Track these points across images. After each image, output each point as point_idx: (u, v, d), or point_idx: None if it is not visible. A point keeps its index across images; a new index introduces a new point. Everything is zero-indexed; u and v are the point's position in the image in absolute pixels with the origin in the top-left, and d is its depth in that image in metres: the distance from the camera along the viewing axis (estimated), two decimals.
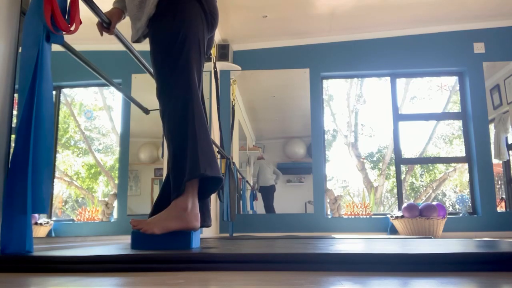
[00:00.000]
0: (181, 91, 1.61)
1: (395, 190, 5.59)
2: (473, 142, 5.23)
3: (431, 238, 3.61)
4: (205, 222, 1.71)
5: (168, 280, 0.85)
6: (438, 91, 5.92)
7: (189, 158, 1.54)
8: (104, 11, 1.75)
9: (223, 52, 5.32)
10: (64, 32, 1.33)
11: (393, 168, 6.30)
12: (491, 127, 5.27)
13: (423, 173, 7.54)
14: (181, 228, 1.54)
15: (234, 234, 4.87)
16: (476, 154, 5.18)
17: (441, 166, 7.28)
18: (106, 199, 5.21)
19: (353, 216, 5.33)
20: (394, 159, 5.48)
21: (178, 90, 1.61)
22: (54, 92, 5.12)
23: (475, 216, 5.12)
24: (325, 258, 1.04)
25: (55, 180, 5.88)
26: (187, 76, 1.63)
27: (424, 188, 7.43)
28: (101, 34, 1.81)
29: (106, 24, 1.76)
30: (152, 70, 1.78)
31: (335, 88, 6.90)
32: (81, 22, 1.41)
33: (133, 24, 1.75)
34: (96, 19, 1.74)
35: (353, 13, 4.98)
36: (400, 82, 6.05)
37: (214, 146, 4.43)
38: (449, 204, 6.98)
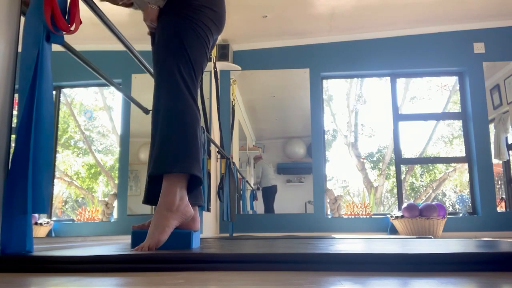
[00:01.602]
0: (175, 93, 1.61)
1: (395, 190, 5.59)
2: (473, 142, 5.23)
3: (431, 238, 3.61)
4: (197, 201, 1.71)
5: (168, 280, 0.85)
6: (438, 91, 5.92)
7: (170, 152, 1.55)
8: (104, 11, 1.75)
9: (223, 52, 5.32)
10: (64, 32, 1.33)
11: (393, 168, 6.30)
12: (491, 127, 5.27)
13: (423, 173, 7.55)
14: (180, 221, 1.53)
15: (234, 234, 4.87)
16: (476, 154, 5.18)
17: (441, 166, 7.29)
18: (106, 199, 5.21)
19: (353, 216, 5.33)
20: (394, 159, 5.48)
21: (173, 92, 1.62)
22: (54, 92, 5.12)
23: (475, 216, 5.12)
24: (325, 258, 1.04)
25: (55, 180, 5.88)
26: (187, 76, 1.64)
27: (424, 188, 7.43)
28: (118, 4, 1.80)
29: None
30: (151, 70, 1.78)
31: (335, 88, 6.91)
32: (81, 22, 1.41)
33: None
34: (96, 19, 1.74)
35: (353, 13, 4.98)
36: (400, 82, 6.05)
37: (213, 146, 4.43)
38: (449, 204, 6.98)
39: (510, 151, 5.20)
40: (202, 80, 1.94)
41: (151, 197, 1.63)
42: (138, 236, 1.56)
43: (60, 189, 6.19)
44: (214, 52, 4.85)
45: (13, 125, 1.27)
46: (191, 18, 1.66)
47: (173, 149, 1.55)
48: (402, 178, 5.65)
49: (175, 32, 1.66)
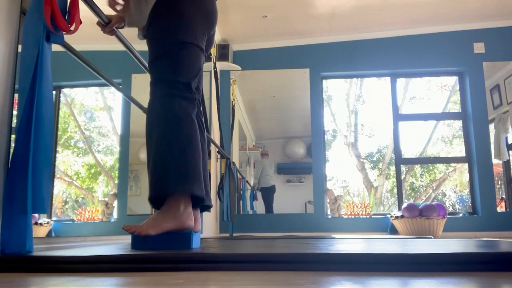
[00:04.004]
0: (169, 104, 1.60)
1: (395, 190, 5.59)
2: (473, 142, 5.23)
3: (431, 238, 3.61)
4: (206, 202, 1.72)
5: (168, 280, 0.85)
6: (438, 91, 5.92)
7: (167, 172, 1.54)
8: (104, 11, 1.75)
9: (223, 52, 5.32)
10: (64, 32, 1.33)
11: (393, 168, 6.30)
12: (491, 127, 5.27)
13: (423, 173, 7.54)
14: (176, 228, 1.54)
15: (234, 234, 4.87)
16: (476, 154, 5.18)
17: (441, 166, 7.28)
18: (106, 199, 5.21)
19: (353, 216, 5.33)
20: (394, 159, 5.47)
21: (166, 100, 1.61)
22: (54, 92, 5.11)
23: (475, 216, 5.12)
24: (325, 258, 1.04)
25: (55, 180, 5.88)
26: (181, 82, 1.63)
27: (424, 188, 7.43)
28: (103, 31, 1.82)
29: (104, 23, 1.77)
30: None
31: (335, 89, 6.91)
32: (81, 22, 1.41)
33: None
34: (95, 19, 1.74)
35: (353, 13, 4.98)
36: (400, 82, 6.05)
37: (214, 146, 4.44)
38: (449, 204, 6.98)
39: (510, 151, 5.20)
40: (201, 82, 1.94)
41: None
42: (138, 237, 1.56)
43: (60, 189, 6.18)
44: (214, 52, 4.85)
45: (13, 125, 1.27)
46: (179, 26, 1.64)
47: (172, 169, 1.53)
48: (402, 178, 5.64)
49: (164, 43, 1.64)
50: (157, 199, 1.58)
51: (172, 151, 1.54)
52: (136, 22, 1.77)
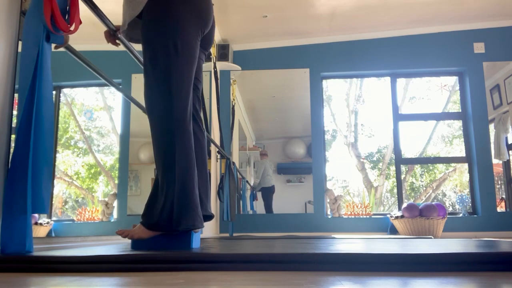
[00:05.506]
0: (164, 107, 1.62)
1: (395, 190, 5.59)
2: (473, 142, 5.23)
3: (431, 238, 3.61)
4: (203, 211, 1.72)
5: (168, 280, 0.85)
6: (438, 91, 5.92)
7: (163, 204, 1.53)
8: (105, 12, 1.75)
9: (223, 52, 5.32)
10: (64, 32, 1.33)
11: (393, 168, 6.30)
12: (491, 127, 5.27)
13: (423, 173, 7.54)
14: (167, 230, 1.54)
15: (234, 234, 4.87)
16: (476, 154, 5.18)
17: (441, 166, 7.28)
18: (106, 199, 5.21)
19: (353, 216, 5.33)
20: (394, 159, 5.47)
21: (161, 104, 1.63)
22: (54, 92, 5.11)
23: (475, 216, 5.12)
24: (325, 258, 1.04)
25: (55, 180, 5.88)
26: (174, 88, 1.62)
27: (424, 188, 7.43)
28: (113, 43, 1.86)
29: (113, 31, 1.79)
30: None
31: (335, 89, 6.91)
32: (81, 22, 1.41)
33: (123, 15, 1.74)
34: (95, 19, 1.74)
35: (353, 13, 4.98)
36: (400, 82, 6.05)
37: (214, 146, 4.44)
38: (449, 204, 6.98)
39: (510, 151, 5.20)
40: (201, 79, 1.93)
41: None
42: (137, 239, 1.56)
43: (60, 189, 6.18)
44: (214, 52, 4.85)
45: (13, 125, 1.27)
46: (171, 27, 1.63)
47: (175, 205, 1.52)
48: (402, 178, 5.64)
49: (157, 45, 1.64)
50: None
51: (175, 182, 1.53)
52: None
